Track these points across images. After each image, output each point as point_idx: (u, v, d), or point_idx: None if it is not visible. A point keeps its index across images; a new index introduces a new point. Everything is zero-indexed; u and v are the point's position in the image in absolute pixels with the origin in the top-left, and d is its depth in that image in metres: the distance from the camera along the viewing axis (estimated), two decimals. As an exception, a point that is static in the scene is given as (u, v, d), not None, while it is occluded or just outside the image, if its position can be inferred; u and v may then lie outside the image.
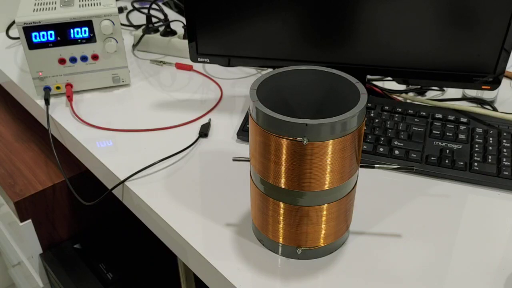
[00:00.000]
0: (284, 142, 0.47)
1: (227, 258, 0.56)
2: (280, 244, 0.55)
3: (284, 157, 0.48)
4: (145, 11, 1.08)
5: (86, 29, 0.87)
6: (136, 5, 1.24)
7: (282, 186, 0.50)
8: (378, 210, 0.63)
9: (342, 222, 0.54)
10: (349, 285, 0.53)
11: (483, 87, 0.74)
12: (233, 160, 0.56)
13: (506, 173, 0.66)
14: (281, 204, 0.52)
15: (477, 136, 0.72)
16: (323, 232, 0.53)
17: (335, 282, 0.53)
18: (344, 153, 0.48)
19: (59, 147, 0.88)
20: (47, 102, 0.86)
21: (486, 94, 0.86)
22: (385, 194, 0.65)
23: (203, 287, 0.63)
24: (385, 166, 0.54)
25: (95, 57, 0.90)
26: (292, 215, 0.52)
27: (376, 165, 0.54)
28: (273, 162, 0.49)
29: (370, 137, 0.72)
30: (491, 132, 0.72)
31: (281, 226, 0.53)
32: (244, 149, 0.75)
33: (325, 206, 0.51)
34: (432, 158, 0.69)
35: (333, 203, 0.52)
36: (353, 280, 0.53)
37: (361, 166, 0.54)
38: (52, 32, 0.86)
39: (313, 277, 0.54)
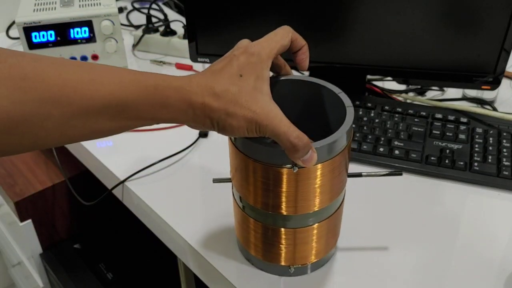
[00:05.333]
0: (266, 169, 0.45)
1: (227, 258, 0.56)
2: (267, 263, 0.53)
3: (265, 183, 0.46)
4: (145, 11, 1.08)
5: (86, 29, 0.87)
6: (136, 5, 1.24)
7: (267, 210, 0.48)
8: (378, 210, 0.63)
9: (332, 237, 0.53)
10: (357, 285, 0.53)
11: (483, 87, 0.74)
12: (214, 182, 0.53)
13: (506, 173, 0.66)
14: (267, 226, 0.50)
15: (477, 136, 0.72)
16: (313, 250, 0.52)
17: (348, 283, 0.53)
18: (333, 173, 0.46)
19: (59, 147, 0.88)
20: (47, 102, 0.86)
21: (486, 94, 0.86)
22: (385, 194, 0.65)
23: (203, 287, 0.63)
24: (373, 173, 0.51)
25: (95, 57, 0.90)
26: (278, 236, 0.50)
27: (363, 173, 0.51)
28: (253, 186, 0.47)
29: (370, 137, 0.72)
30: (491, 132, 0.72)
31: (266, 247, 0.52)
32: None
33: (313, 226, 0.49)
34: (432, 158, 0.69)
35: (322, 222, 0.50)
36: (357, 280, 0.53)
37: (348, 176, 0.51)
38: (52, 32, 0.86)
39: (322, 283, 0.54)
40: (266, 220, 0.49)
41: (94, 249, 1.05)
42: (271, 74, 0.46)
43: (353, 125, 0.47)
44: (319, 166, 0.44)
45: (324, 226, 0.50)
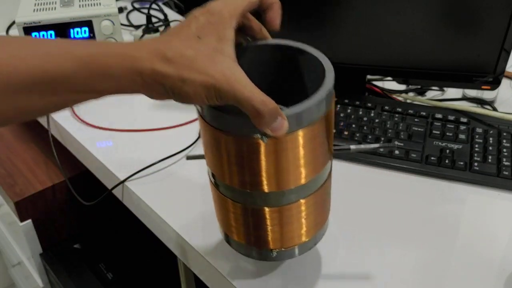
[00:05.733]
0: (238, 141, 0.40)
1: (227, 258, 0.56)
2: (253, 248, 0.49)
3: (239, 157, 0.41)
4: (145, 11, 1.08)
5: (86, 29, 0.87)
6: (136, 5, 1.24)
7: (242, 188, 0.44)
8: (378, 210, 0.63)
9: (320, 214, 0.48)
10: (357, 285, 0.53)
11: (483, 87, 0.74)
12: (187, 159, 0.50)
13: (506, 173, 0.66)
14: (245, 207, 0.45)
15: (477, 136, 0.72)
16: (301, 230, 0.47)
17: (339, 269, 0.53)
18: (313, 143, 0.41)
19: (59, 147, 0.88)
20: (47, 102, 0.86)
21: (486, 94, 0.86)
22: (384, 194, 0.65)
23: (203, 287, 0.62)
24: (362, 147, 0.47)
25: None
26: (260, 217, 0.45)
27: (352, 147, 0.47)
28: (227, 163, 0.43)
29: (370, 137, 0.72)
30: (491, 132, 0.72)
31: (248, 230, 0.47)
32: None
33: (296, 203, 0.45)
34: (432, 158, 0.69)
35: (309, 198, 0.45)
36: (357, 280, 0.53)
37: (335, 150, 0.47)
38: (52, 32, 0.86)
39: (313, 271, 0.54)
40: (245, 200, 0.45)
41: (94, 249, 1.05)
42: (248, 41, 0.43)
43: (332, 91, 0.42)
44: (296, 135, 0.40)
45: (310, 202, 0.45)
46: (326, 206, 0.50)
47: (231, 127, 0.40)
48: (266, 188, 0.43)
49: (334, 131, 0.74)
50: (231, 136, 0.40)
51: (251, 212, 0.45)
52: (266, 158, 0.41)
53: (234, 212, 0.47)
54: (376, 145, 0.46)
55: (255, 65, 0.44)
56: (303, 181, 0.43)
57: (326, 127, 0.42)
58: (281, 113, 0.37)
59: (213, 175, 0.46)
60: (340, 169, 0.69)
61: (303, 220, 0.46)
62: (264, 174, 0.42)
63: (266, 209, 0.44)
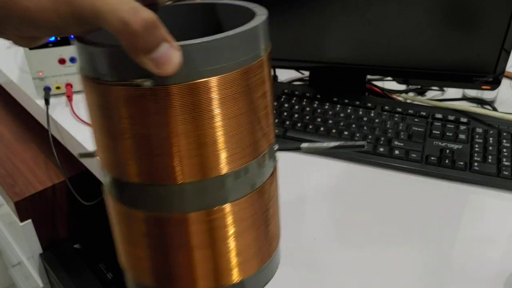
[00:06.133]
0: (114, 93, 0.27)
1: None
2: None
3: (126, 121, 0.27)
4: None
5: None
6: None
7: (138, 179, 0.29)
8: (377, 210, 0.63)
9: (261, 237, 0.33)
10: (356, 285, 0.53)
11: (483, 87, 0.74)
12: (79, 157, 0.37)
13: (506, 173, 0.66)
14: (144, 215, 0.30)
15: (477, 136, 0.72)
16: (233, 259, 0.31)
17: (347, 282, 0.53)
18: (235, 106, 0.28)
19: (59, 147, 0.88)
20: (47, 102, 0.86)
21: (486, 94, 0.86)
22: (384, 194, 0.65)
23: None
24: (315, 145, 0.35)
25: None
26: (164, 232, 0.30)
27: (302, 145, 0.35)
28: (108, 134, 0.29)
29: (370, 137, 0.72)
30: (491, 132, 0.73)
31: (151, 256, 0.31)
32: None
33: (221, 208, 0.30)
34: (432, 158, 0.69)
35: (239, 201, 0.30)
36: (356, 280, 0.53)
37: (284, 149, 0.35)
38: (52, 32, 0.86)
39: (312, 271, 0.54)
40: (144, 202, 0.30)
41: (94, 249, 1.05)
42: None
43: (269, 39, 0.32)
44: (206, 84, 0.26)
45: (244, 211, 0.30)
46: (272, 227, 0.34)
47: (102, 69, 0.27)
48: (171, 178, 0.28)
49: (322, 128, 0.75)
50: (103, 85, 0.27)
51: (158, 223, 0.30)
52: (155, 121, 0.27)
53: (134, 230, 0.31)
54: (332, 144, 0.34)
55: (177, 29, 0.33)
56: (225, 169, 0.29)
57: (258, 80, 0.29)
58: (166, 36, 0.25)
59: (105, 172, 0.32)
60: (340, 169, 0.69)
61: (239, 239, 0.31)
62: (158, 150, 0.27)
63: (175, 217, 0.29)
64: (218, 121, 0.28)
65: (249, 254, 0.32)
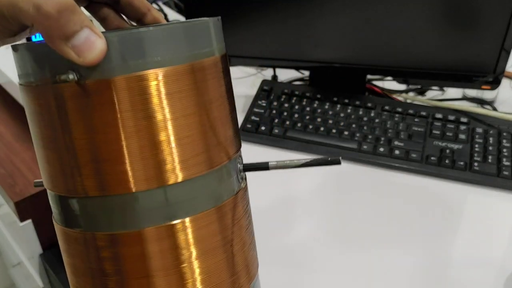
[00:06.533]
0: (46, 92, 0.25)
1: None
2: None
3: (59, 126, 0.25)
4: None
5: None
6: (136, 5, 1.24)
7: (73, 193, 0.26)
8: (377, 210, 0.63)
9: (224, 270, 0.28)
10: (356, 285, 0.53)
11: (483, 87, 0.74)
12: (35, 186, 0.33)
13: (506, 173, 0.66)
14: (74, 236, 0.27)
15: (477, 136, 0.72)
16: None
17: (347, 283, 0.53)
18: (182, 103, 0.25)
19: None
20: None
21: (486, 94, 0.86)
22: (384, 194, 0.65)
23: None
24: (281, 164, 0.30)
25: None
26: (118, 254, 0.26)
27: (270, 163, 0.31)
28: (43, 144, 0.26)
29: (370, 137, 0.72)
30: (491, 132, 0.73)
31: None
32: (244, 150, 0.75)
33: (180, 222, 0.26)
34: (432, 158, 0.69)
35: (196, 216, 0.26)
36: (356, 280, 0.53)
37: (247, 169, 0.31)
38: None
39: (312, 271, 0.53)
40: (83, 222, 0.26)
41: (94, 249, 1.05)
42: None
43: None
44: (144, 78, 0.24)
45: (203, 230, 0.27)
46: (239, 260, 0.29)
47: (30, 70, 0.25)
48: (121, 186, 0.25)
49: (322, 128, 0.75)
50: (32, 88, 0.25)
51: (108, 243, 0.26)
52: (86, 121, 0.24)
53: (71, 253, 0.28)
54: (303, 161, 0.30)
55: None
56: (179, 176, 0.26)
57: (207, 83, 0.27)
58: (86, 22, 0.23)
59: (52, 194, 0.28)
60: (340, 169, 0.69)
61: (194, 266, 0.27)
62: (101, 155, 0.24)
63: (123, 235, 0.25)
64: (164, 120, 0.25)
65: (212, 284, 0.28)
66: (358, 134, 0.73)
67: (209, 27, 0.28)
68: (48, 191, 0.28)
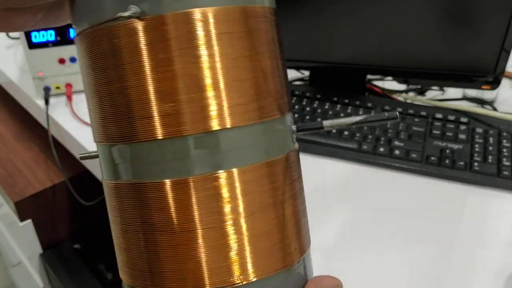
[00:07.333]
0: (107, 33, 0.24)
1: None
2: None
3: (116, 69, 0.24)
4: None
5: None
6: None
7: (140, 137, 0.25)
8: (377, 210, 0.63)
9: (274, 230, 0.26)
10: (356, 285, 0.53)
11: (483, 87, 0.74)
12: (80, 159, 0.33)
13: (506, 173, 0.66)
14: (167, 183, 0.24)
15: (477, 136, 0.72)
16: (239, 249, 0.25)
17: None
18: (235, 44, 0.25)
19: (59, 147, 0.88)
20: (46, 102, 0.86)
21: (486, 94, 0.86)
22: (384, 194, 0.65)
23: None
24: (339, 121, 0.29)
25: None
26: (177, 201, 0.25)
27: (325, 123, 0.29)
28: (108, 90, 0.25)
29: (370, 137, 0.72)
30: (491, 132, 0.72)
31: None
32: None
33: (227, 172, 0.25)
34: (432, 158, 0.69)
35: (244, 168, 0.25)
36: (355, 281, 0.53)
37: (302, 130, 0.29)
38: (52, 32, 0.86)
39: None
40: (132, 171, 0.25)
41: (94, 249, 1.05)
42: None
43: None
44: (208, 11, 0.24)
45: (252, 184, 0.25)
46: (289, 224, 0.27)
47: (91, 12, 0.25)
48: (182, 123, 0.24)
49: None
50: (88, 32, 0.25)
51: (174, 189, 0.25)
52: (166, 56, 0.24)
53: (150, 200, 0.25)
54: (358, 118, 0.29)
55: None
56: (227, 121, 0.25)
57: (259, 29, 0.26)
58: None
59: (105, 146, 0.27)
60: (340, 169, 0.69)
61: (249, 217, 0.25)
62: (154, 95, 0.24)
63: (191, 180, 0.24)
64: (213, 61, 0.24)
65: (260, 247, 0.26)
66: (358, 134, 0.73)
67: None
68: (98, 145, 0.27)
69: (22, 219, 0.98)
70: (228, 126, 0.24)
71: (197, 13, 0.24)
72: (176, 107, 0.24)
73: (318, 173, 0.69)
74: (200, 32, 0.24)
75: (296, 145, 0.30)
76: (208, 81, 0.24)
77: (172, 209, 0.25)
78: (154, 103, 0.24)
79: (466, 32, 0.71)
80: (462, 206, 0.63)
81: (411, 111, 0.77)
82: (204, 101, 0.24)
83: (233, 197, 0.25)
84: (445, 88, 0.91)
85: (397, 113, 0.28)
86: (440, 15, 0.70)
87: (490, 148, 0.70)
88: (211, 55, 0.24)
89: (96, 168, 0.78)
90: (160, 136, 0.24)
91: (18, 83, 0.97)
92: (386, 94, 0.87)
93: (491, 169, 0.66)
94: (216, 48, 0.24)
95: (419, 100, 0.85)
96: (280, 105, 0.27)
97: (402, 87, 0.90)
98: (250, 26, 0.25)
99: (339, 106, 0.78)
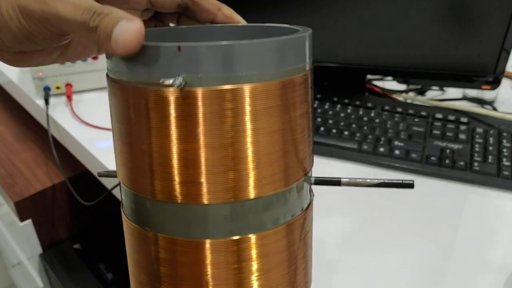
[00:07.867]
0: (145, 96, 0.25)
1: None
2: None
3: (150, 125, 0.25)
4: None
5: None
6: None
7: (162, 197, 0.26)
8: (377, 210, 0.63)
9: (285, 281, 0.28)
10: (356, 285, 0.53)
11: (483, 87, 0.74)
12: (98, 176, 0.35)
13: (506, 173, 0.66)
14: (178, 242, 0.26)
15: (477, 136, 0.72)
16: None
17: (347, 283, 0.53)
18: (271, 119, 0.25)
19: (59, 147, 0.88)
20: (46, 102, 0.86)
21: (486, 94, 0.86)
22: (384, 194, 0.65)
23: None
24: (353, 182, 0.31)
25: (94, 57, 0.89)
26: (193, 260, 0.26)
27: (343, 180, 0.31)
28: (135, 148, 0.26)
29: (370, 137, 0.72)
30: (491, 132, 0.72)
31: None
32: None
33: (243, 238, 0.26)
34: (433, 158, 0.69)
35: (263, 234, 0.26)
36: (356, 281, 0.53)
37: (318, 183, 0.31)
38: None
39: (312, 271, 0.53)
40: (153, 224, 0.27)
41: (94, 249, 1.05)
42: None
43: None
44: (248, 87, 0.24)
45: (269, 246, 0.27)
46: (300, 271, 0.30)
47: (122, 72, 0.26)
48: (203, 194, 0.25)
49: (322, 128, 0.75)
50: (126, 86, 0.25)
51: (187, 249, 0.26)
52: (193, 126, 0.24)
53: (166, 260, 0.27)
54: (376, 181, 0.31)
55: None
56: (253, 192, 0.25)
57: (297, 99, 0.26)
58: (115, 11, 0.24)
59: (128, 191, 0.28)
60: (340, 169, 0.69)
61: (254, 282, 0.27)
62: (183, 162, 0.25)
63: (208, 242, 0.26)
64: (245, 136, 0.25)
65: None
66: (358, 134, 0.73)
67: (305, 42, 0.27)
68: (122, 186, 0.28)
69: (22, 219, 0.98)
70: (252, 197, 0.25)
71: (233, 90, 0.24)
72: (202, 177, 0.25)
73: (318, 173, 0.69)
74: (232, 110, 0.24)
75: (312, 197, 0.31)
76: (237, 155, 0.25)
77: (182, 267, 0.26)
78: (180, 171, 0.25)
79: (466, 32, 0.71)
80: (462, 206, 0.63)
81: (411, 111, 0.77)
82: (231, 174, 0.25)
83: (248, 260, 0.26)
84: (445, 88, 0.91)
85: (413, 182, 0.30)
86: (440, 15, 0.70)
87: (490, 148, 0.70)
88: (242, 131, 0.24)
89: (96, 168, 0.78)
90: (179, 200, 0.25)
91: (18, 83, 0.97)
92: (386, 94, 0.87)
93: (491, 169, 0.67)
94: (248, 124, 0.24)
95: (419, 100, 0.85)
96: (305, 167, 0.28)
97: (402, 87, 0.90)
98: (287, 99, 0.26)
99: (339, 106, 0.78)
